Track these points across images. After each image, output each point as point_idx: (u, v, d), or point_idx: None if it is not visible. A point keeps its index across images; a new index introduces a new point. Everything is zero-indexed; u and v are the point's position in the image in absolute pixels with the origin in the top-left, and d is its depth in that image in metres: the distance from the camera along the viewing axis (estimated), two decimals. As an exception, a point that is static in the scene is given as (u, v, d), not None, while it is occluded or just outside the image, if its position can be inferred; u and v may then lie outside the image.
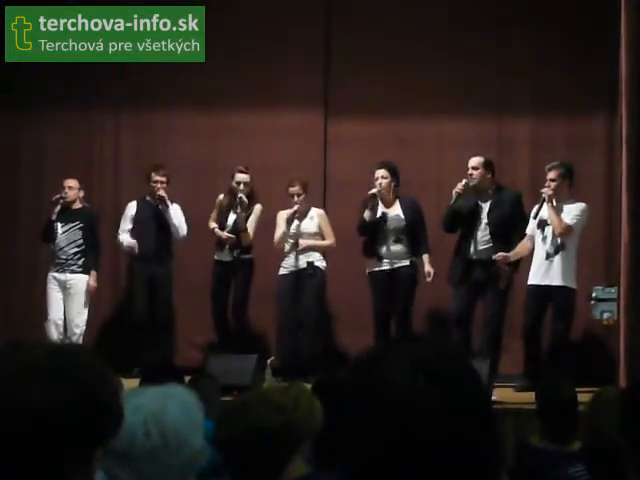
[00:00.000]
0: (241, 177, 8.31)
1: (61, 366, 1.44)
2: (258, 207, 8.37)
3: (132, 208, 8.53)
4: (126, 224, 8.49)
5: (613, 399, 3.34)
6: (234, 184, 8.30)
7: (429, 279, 7.98)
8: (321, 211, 8.36)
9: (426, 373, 1.24)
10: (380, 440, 1.23)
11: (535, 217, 7.62)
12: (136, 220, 8.47)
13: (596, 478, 3.18)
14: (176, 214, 8.38)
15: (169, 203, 8.35)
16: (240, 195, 8.26)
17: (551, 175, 7.63)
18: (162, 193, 8.33)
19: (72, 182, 8.48)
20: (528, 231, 7.76)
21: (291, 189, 8.19)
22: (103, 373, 1.49)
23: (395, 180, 8.06)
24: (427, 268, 7.98)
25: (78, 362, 1.47)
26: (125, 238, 8.43)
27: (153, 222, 8.39)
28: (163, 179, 8.37)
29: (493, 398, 6.33)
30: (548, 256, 7.62)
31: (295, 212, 8.17)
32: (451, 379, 1.26)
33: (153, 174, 8.38)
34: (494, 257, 7.63)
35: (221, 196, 8.45)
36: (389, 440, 1.23)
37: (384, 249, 7.99)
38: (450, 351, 1.31)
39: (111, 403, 1.47)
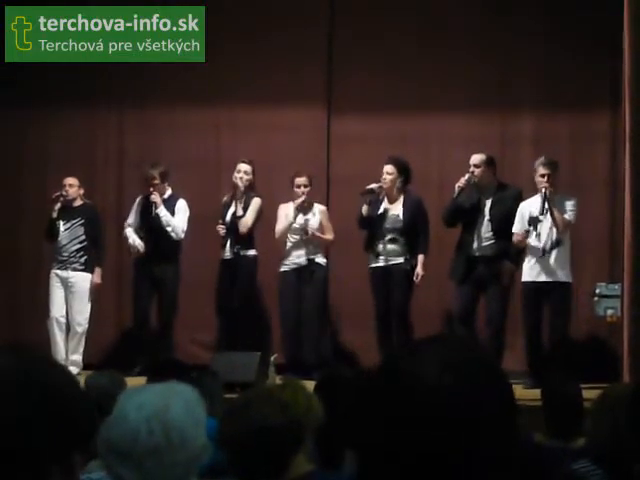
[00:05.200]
0: (242, 166, 8.31)
1: (29, 376, 1.36)
2: (257, 200, 8.33)
3: (139, 203, 8.53)
4: (132, 218, 8.47)
5: (622, 396, 3.32)
6: (235, 174, 8.29)
7: (417, 280, 7.93)
8: (323, 207, 8.35)
9: (454, 372, 1.25)
10: (403, 435, 1.24)
11: (542, 213, 7.57)
12: (141, 217, 8.45)
13: (604, 475, 3.17)
14: (176, 214, 8.31)
15: (160, 207, 8.25)
16: (238, 182, 8.23)
17: (544, 170, 7.60)
18: (154, 198, 8.28)
19: (72, 180, 8.46)
20: (519, 229, 7.68)
21: (298, 179, 8.16)
22: (65, 377, 1.41)
23: (403, 177, 8.02)
24: (418, 269, 7.90)
25: (41, 369, 1.39)
26: (132, 235, 8.39)
27: (155, 221, 8.35)
28: (155, 180, 8.28)
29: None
30: (544, 252, 7.59)
31: (303, 202, 8.12)
32: (478, 379, 1.27)
33: (147, 173, 8.33)
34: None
35: (225, 197, 8.44)
36: (412, 435, 1.23)
37: (380, 246, 7.98)
38: (479, 352, 1.33)
39: (78, 407, 1.39)
